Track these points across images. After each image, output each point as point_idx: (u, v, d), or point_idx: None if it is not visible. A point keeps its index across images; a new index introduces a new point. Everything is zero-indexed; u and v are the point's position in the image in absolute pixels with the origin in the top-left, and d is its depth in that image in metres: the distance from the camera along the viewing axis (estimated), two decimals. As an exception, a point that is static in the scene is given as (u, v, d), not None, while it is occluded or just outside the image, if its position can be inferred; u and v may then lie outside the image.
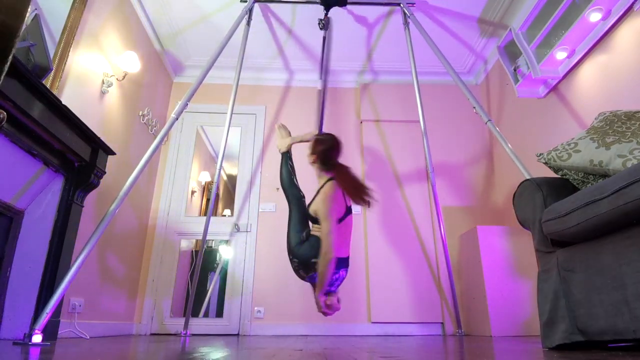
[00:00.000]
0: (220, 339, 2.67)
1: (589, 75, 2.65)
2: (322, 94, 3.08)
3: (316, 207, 2.13)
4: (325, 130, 3.99)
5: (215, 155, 4.98)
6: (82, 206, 2.37)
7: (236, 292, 3.44)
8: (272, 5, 3.42)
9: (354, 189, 2.18)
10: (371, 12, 3.49)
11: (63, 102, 2.06)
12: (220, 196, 5.30)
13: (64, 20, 2.36)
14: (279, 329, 3.33)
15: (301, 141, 2.51)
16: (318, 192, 2.21)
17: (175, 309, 3.47)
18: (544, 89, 3.05)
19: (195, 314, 3.89)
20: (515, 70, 3.18)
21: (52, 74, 2.23)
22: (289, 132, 2.60)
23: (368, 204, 2.18)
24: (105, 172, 2.46)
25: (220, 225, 3.68)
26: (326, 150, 2.24)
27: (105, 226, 2.03)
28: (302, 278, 2.19)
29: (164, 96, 3.97)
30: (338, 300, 2.15)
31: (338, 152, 2.28)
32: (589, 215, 1.32)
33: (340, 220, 2.12)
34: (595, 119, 1.79)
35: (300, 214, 2.24)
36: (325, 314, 2.11)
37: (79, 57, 2.53)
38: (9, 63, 0.76)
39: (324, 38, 2.99)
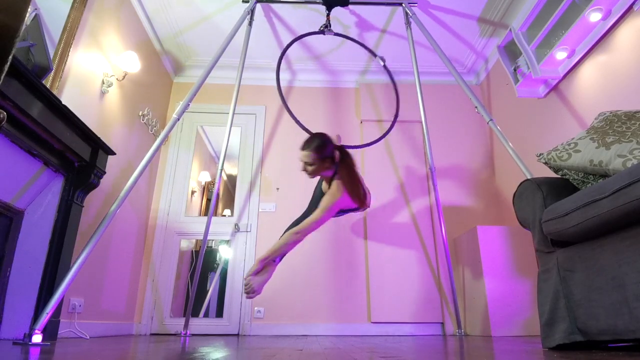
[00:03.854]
0: (220, 339, 2.67)
1: (589, 75, 2.64)
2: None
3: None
4: (326, 130, 4.00)
5: (215, 155, 4.98)
6: (82, 206, 2.37)
7: (236, 292, 3.45)
8: (274, 6, 3.43)
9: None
10: (373, 12, 3.49)
11: (63, 102, 2.06)
12: (220, 196, 5.30)
13: (64, 20, 2.36)
14: (279, 329, 3.33)
15: None
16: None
17: (175, 309, 3.47)
18: (544, 89, 3.05)
19: (195, 314, 3.89)
20: (515, 70, 3.17)
21: (52, 74, 2.23)
22: None
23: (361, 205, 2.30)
24: (105, 172, 2.46)
25: (220, 225, 3.68)
26: (320, 147, 2.19)
27: (105, 226, 2.03)
28: None
29: (164, 96, 3.97)
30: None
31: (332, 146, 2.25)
32: (589, 215, 1.32)
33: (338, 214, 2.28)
34: (595, 119, 1.79)
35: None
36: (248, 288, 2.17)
37: (79, 57, 2.52)
38: (9, 63, 0.76)
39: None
